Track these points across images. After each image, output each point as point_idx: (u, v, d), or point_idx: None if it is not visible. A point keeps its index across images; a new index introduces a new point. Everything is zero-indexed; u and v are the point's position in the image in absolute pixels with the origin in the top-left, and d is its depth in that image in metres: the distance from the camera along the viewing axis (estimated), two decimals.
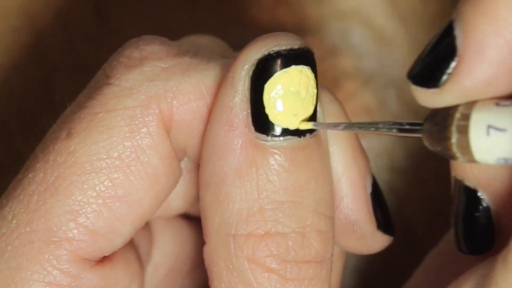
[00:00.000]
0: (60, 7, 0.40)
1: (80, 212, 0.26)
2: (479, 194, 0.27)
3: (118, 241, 0.27)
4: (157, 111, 0.27)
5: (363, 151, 0.29)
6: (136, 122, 0.27)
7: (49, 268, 0.26)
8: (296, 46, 0.26)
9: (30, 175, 0.27)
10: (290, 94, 0.26)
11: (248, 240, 0.26)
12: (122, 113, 0.27)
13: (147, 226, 0.31)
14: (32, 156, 0.28)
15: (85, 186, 0.27)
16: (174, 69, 0.27)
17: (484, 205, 0.27)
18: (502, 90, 0.25)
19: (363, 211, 0.28)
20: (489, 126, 0.24)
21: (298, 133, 0.26)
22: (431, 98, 0.25)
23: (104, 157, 0.27)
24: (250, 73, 0.26)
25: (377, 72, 0.40)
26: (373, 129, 0.27)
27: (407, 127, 0.26)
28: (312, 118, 0.27)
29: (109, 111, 0.27)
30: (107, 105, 0.27)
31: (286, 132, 0.26)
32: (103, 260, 0.28)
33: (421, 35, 0.40)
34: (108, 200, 0.27)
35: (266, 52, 0.26)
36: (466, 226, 0.27)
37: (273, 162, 0.26)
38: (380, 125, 0.26)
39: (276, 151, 0.26)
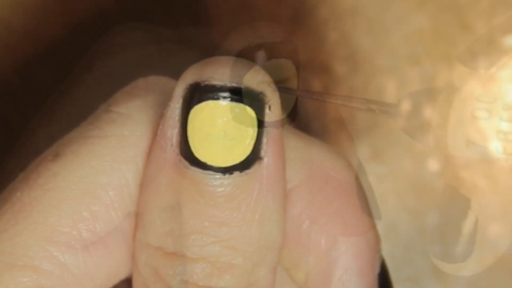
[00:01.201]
0: (59, 7, 0.40)
1: (52, 240, 0.25)
2: None
3: (98, 282, 0.25)
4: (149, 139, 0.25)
5: (374, 227, 0.27)
6: (126, 150, 0.25)
7: None
8: (229, 84, 0.24)
9: (5, 194, 0.25)
10: (211, 131, 0.24)
11: (156, 252, 0.25)
12: (115, 140, 0.25)
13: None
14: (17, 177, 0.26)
15: (62, 213, 0.25)
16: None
17: None
18: None
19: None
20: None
21: (222, 170, 0.24)
22: None
23: (87, 186, 0.25)
24: (183, 94, 0.24)
25: (378, 72, 0.40)
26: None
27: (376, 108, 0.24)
28: (245, 162, 0.24)
29: (101, 137, 0.25)
30: (100, 130, 0.25)
31: (206, 166, 0.24)
32: None
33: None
34: (85, 233, 0.25)
35: (196, 80, 0.24)
36: None
37: (190, 192, 0.24)
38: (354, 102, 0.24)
39: (196, 181, 0.24)
